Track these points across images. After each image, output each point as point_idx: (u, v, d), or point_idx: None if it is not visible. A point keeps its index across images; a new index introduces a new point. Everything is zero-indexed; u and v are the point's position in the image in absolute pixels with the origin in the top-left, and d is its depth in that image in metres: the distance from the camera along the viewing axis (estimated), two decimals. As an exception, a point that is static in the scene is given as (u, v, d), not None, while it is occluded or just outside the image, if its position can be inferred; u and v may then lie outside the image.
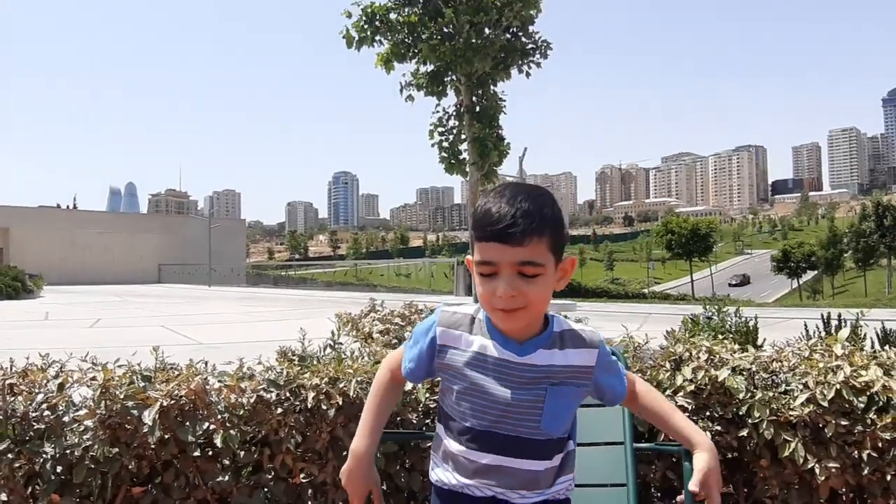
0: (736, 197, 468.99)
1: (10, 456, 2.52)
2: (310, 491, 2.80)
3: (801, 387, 2.77)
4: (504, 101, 10.60)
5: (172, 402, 2.55)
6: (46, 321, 15.06)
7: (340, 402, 2.68)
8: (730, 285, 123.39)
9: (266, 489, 2.72)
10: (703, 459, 1.73)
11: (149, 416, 2.48)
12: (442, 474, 1.76)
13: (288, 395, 2.70)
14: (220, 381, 2.69)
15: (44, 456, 2.53)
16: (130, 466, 2.55)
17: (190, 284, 41.08)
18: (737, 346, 3.10)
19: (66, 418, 2.59)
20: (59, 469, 2.56)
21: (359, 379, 2.76)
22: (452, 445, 1.73)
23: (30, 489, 2.59)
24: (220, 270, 44.48)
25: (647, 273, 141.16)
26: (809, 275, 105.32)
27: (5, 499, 2.57)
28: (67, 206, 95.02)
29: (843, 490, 2.80)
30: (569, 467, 1.76)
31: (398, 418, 2.76)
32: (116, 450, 2.54)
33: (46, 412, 2.60)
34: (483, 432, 1.68)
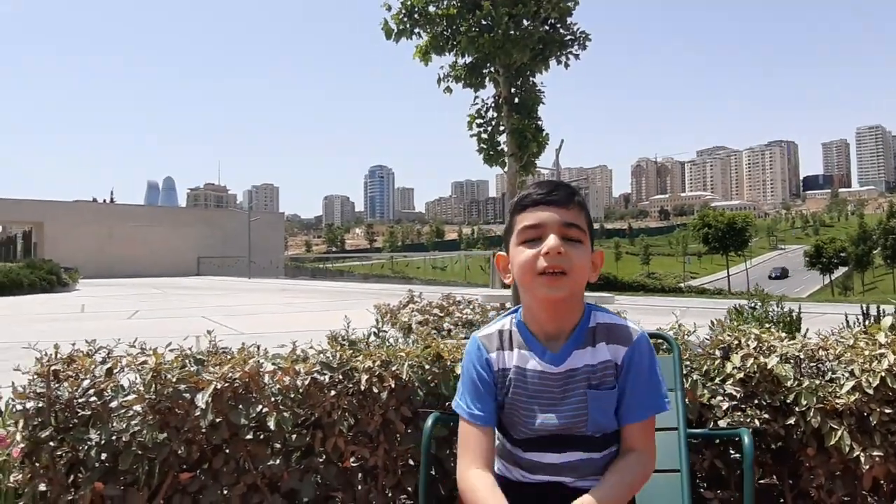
0: (769, 192, 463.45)
1: (51, 444, 2.50)
2: (360, 475, 2.81)
3: (846, 375, 2.75)
4: (543, 92, 10.58)
5: (226, 384, 2.54)
6: (83, 314, 15.10)
7: (393, 385, 2.69)
8: (769, 278, 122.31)
9: (317, 473, 2.73)
10: None
11: (202, 399, 2.46)
12: (503, 470, 1.80)
13: (341, 377, 2.70)
14: (273, 364, 2.69)
15: (88, 443, 2.50)
16: (179, 451, 2.54)
17: (229, 277, 41.39)
18: (784, 334, 3.08)
19: (113, 404, 2.56)
20: (103, 456, 2.52)
21: (410, 362, 2.77)
22: (509, 447, 1.78)
23: (72, 478, 2.55)
24: (259, 263, 44.72)
25: (684, 267, 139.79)
26: (840, 271, 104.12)
27: (44, 488, 2.53)
28: (104, 200, 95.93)
29: (884, 480, 2.78)
30: None
31: (447, 402, 2.66)
32: (165, 435, 2.52)
33: (93, 398, 2.57)
34: (536, 438, 1.72)
